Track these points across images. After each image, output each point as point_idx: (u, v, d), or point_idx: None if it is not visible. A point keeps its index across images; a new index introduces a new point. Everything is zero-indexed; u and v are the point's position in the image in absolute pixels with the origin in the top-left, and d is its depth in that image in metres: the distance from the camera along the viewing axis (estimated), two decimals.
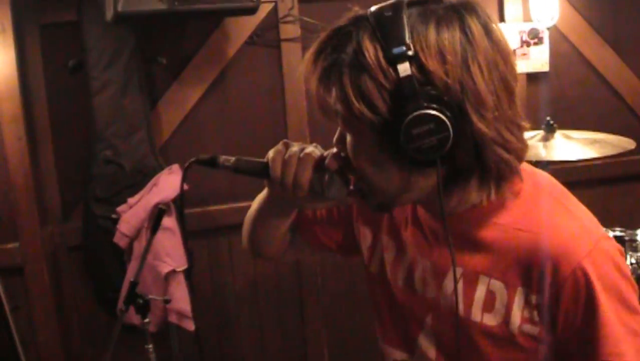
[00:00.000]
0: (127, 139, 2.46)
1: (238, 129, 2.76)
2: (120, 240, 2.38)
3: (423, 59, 0.86)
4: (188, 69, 2.67)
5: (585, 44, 3.08)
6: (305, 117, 2.78)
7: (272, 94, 2.78)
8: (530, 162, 1.10)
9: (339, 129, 0.99)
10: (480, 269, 1.00)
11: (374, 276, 1.19)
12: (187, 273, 2.41)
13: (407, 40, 0.86)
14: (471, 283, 1.01)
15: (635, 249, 2.11)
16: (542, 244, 0.94)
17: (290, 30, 2.72)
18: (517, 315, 0.97)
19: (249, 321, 2.91)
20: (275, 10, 2.70)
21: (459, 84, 0.87)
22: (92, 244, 2.53)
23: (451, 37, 0.87)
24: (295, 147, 1.04)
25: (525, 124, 0.96)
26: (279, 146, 1.05)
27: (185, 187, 1.23)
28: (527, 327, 0.97)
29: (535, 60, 2.95)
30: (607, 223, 2.15)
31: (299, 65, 2.70)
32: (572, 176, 2.87)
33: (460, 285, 1.01)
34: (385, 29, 0.88)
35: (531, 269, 0.95)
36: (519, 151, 0.94)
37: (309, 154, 1.02)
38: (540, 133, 2.28)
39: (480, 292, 1.00)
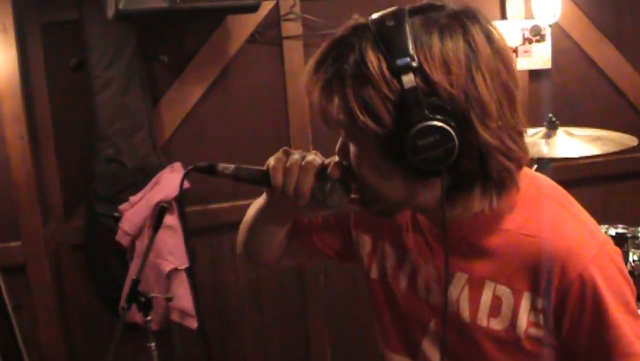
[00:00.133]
0: (129, 138, 2.46)
1: (240, 127, 2.76)
2: (122, 238, 2.38)
3: (427, 70, 0.85)
4: (190, 67, 2.67)
5: (587, 41, 3.07)
6: (307, 115, 2.78)
7: (274, 92, 2.78)
8: (532, 159, 1.10)
9: (340, 138, 0.98)
10: (485, 275, 1.00)
11: (374, 282, 1.18)
12: (190, 271, 2.41)
13: (411, 51, 0.86)
14: (477, 289, 1.01)
15: (637, 247, 2.10)
16: (548, 248, 0.94)
17: (291, 28, 2.72)
18: (523, 318, 0.97)
19: (251, 319, 2.91)
20: (276, 8, 2.69)
21: (464, 93, 0.86)
22: (94, 242, 2.53)
23: (455, 47, 0.87)
24: (296, 155, 1.02)
25: (525, 128, 0.96)
26: (279, 153, 1.04)
27: (187, 185, 1.23)
28: (533, 331, 0.97)
29: (537, 57, 2.94)
30: (609, 220, 2.15)
31: (300, 63, 2.71)
32: (574, 173, 2.87)
33: (466, 291, 1.02)
34: (388, 39, 0.87)
35: (537, 274, 0.95)
36: (520, 159, 0.94)
37: (310, 163, 1.01)
38: (543, 130, 2.26)
39: (486, 297, 1.00)
